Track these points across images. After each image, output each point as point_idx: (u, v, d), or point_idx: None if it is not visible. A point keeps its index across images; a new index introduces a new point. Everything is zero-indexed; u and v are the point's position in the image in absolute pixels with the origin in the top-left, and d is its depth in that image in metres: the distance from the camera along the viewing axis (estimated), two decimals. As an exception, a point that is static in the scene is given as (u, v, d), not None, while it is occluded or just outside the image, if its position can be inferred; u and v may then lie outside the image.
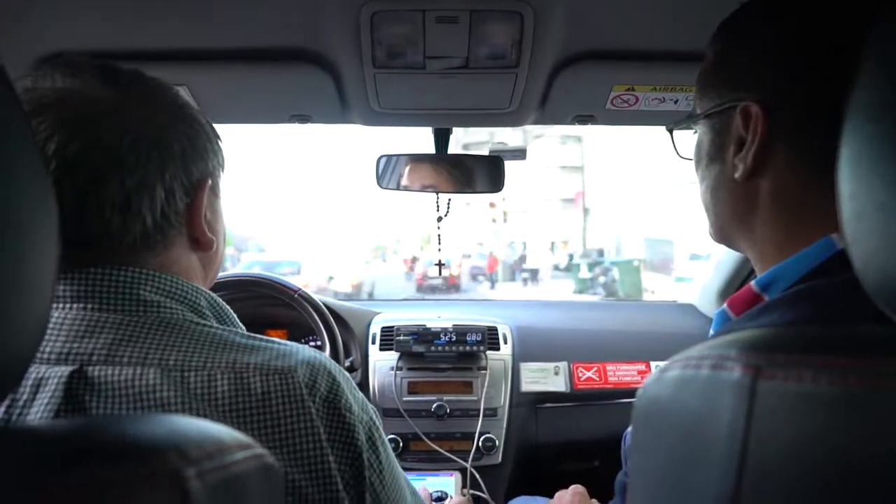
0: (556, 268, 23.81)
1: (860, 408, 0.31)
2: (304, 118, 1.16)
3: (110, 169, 0.57)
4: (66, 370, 0.55)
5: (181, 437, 0.35)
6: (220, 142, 0.71)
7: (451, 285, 19.87)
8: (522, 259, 23.07)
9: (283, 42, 0.96)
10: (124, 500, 0.31)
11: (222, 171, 0.72)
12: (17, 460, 0.32)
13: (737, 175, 0.61)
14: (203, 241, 0.66)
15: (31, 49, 0.93)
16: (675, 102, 1.08)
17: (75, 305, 0.58)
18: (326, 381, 0.61)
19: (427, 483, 1.39)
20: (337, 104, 1.10)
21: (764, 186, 0.61)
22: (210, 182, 0.67)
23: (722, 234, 0.69)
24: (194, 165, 0.64)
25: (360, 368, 1.62)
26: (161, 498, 0.32)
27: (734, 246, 0.70)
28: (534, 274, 21.42)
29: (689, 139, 0.75)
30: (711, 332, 0.65)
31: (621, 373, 1.67)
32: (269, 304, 1.58)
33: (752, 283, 0.62)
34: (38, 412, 0.54)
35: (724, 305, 0.64)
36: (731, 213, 0.65)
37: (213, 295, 0.68)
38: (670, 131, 0.77)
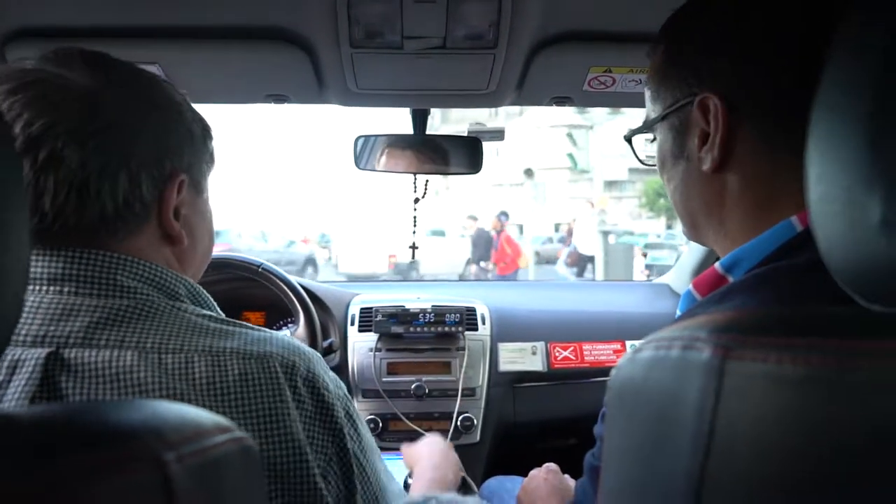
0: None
1: (824, 387, 0.32)
2: (280, 98, 1.14)
3: (71, 150, 0.57)
4: (42, 352, 0.55)
5: (160, 422, 0.36)
6: (208, 140, 0.71)
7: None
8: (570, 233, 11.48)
9: (258, 20, 0.94)
10: (105, 485, 0.31)
11: (209, 168, 0.72)
12: None
13: (705, 167, 0.62)
14: (172, 235, 0.66)
15: None
16: None
17: (51, 288, 0.58)
18: (304, 364, 0.63)
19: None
20: (314, 84, 1.08)
21: (732, 177, 0.61)
22: (185, 177, 0.66)
23: (695, 232, 0.70)
24: (167, 159, 0.64)
25: (340, 350, 1.62)
26: (142, 482, 0.32)
27: (707, 242, 0.70)
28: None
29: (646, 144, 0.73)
30: (678, 312, 0.66)
31: (597, 352, 1.69)
32: (244, 285, 1.57)
33: (717, 264, 0.63)
34: (15, 394, 0.55)
35: (690, 286, 0.65)
36: (703, 208, 0.66)
37: (193, 283, 0.68)
38: (628, 140, 0.76)
